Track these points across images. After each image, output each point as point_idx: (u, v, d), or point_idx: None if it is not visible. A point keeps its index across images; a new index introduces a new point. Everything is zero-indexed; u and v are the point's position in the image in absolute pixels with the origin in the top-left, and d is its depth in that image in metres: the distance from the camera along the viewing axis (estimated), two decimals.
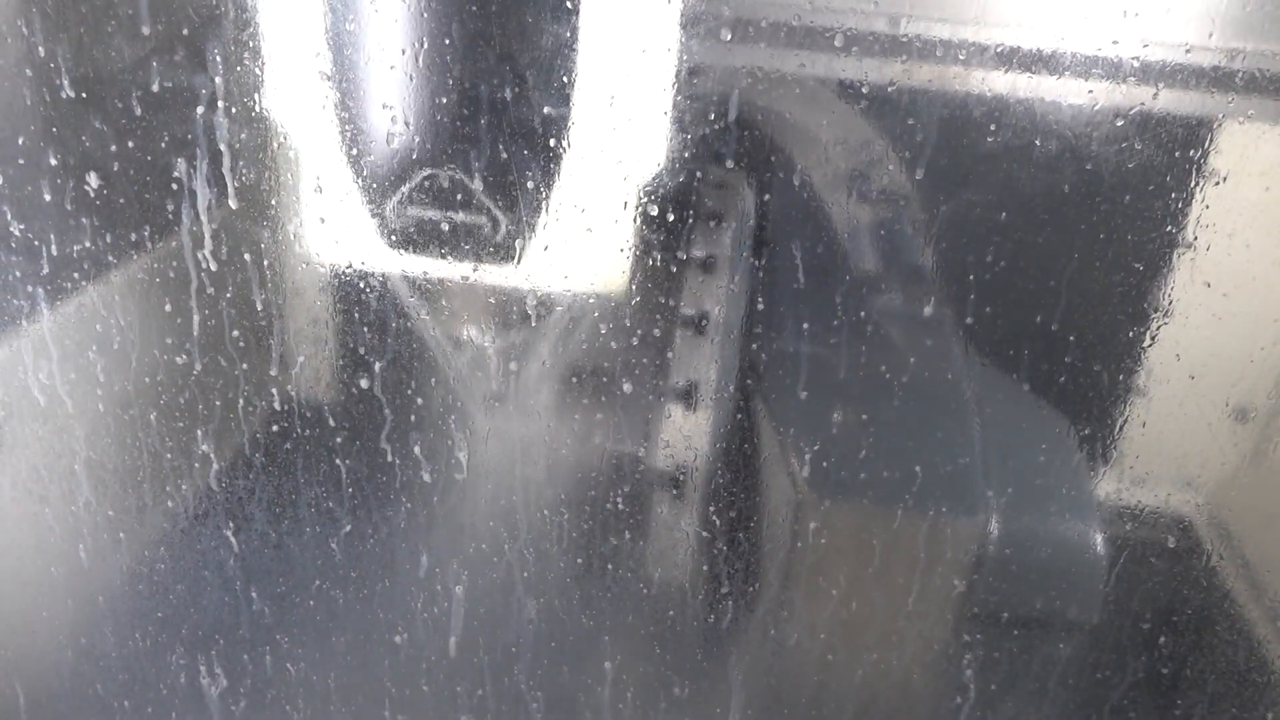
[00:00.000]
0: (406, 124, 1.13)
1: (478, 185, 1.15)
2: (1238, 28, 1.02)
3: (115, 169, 1.16)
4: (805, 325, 1.15)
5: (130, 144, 1.15)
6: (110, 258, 1.21)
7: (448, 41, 1.10)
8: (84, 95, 1.12)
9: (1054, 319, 1.11)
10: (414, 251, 1.21)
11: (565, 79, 1.11)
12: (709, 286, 1.16)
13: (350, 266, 1.23)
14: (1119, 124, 1.05)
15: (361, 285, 1.22)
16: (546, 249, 1.16)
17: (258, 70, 1.14)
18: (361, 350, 1.24)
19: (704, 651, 1.36)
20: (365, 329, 1.24)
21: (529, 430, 1.26)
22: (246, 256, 1.19)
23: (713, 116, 1.09)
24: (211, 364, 1.25)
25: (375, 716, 1.47)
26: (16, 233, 1.20)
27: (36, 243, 1.20)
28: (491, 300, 1.20)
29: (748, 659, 1.36)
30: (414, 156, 1.14)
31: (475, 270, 1.20)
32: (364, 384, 1.24)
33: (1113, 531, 1.23)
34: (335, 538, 1.35)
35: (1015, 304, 1.12)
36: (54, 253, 1.20)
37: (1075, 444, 1.20)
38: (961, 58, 1.05)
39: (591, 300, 1.18)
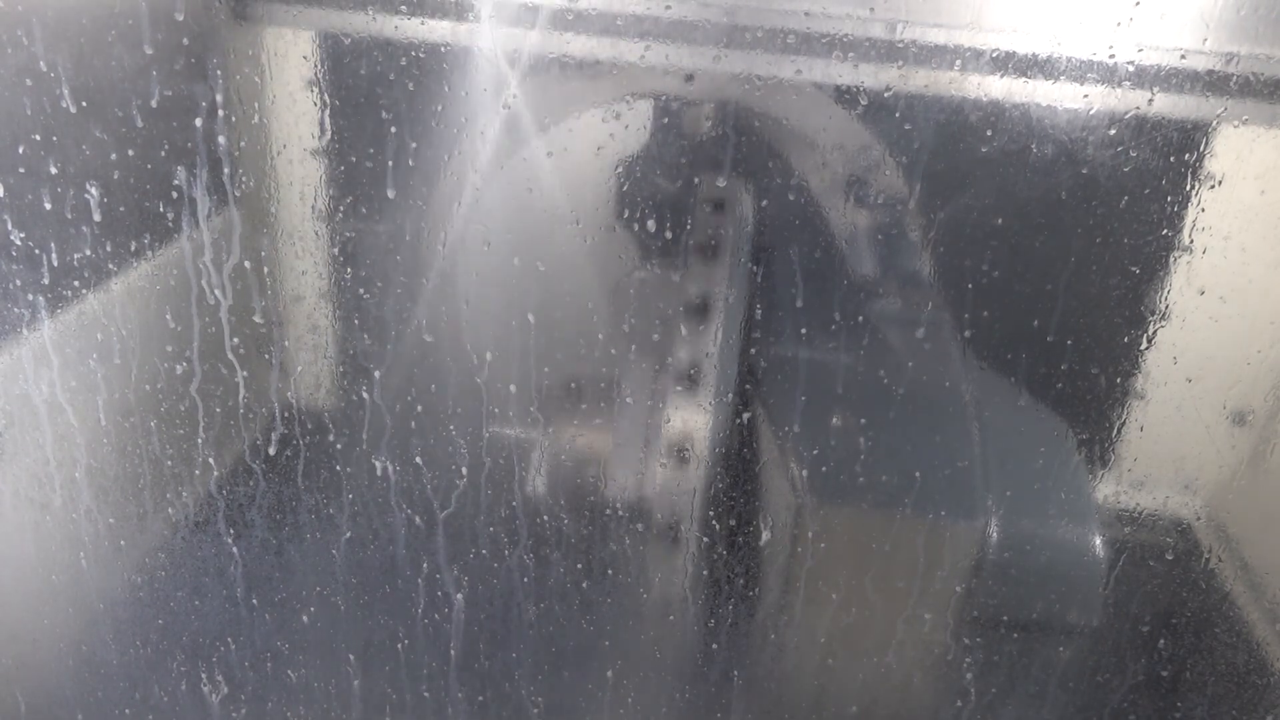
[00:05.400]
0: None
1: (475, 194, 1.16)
2: (1232, 32, 1.03)
3: (115, 178, 1.17)
4: (803, 330, 1.15)
5: (130, 152, 1.15)
6: (111, 265, 1.21)
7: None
8: (85, 105, 1.13)
9: (1051, 323, 1.12)
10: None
11: (563, 87, 1.11)
12: (708, 293, 1.17)
13: (349, 274, 1.23)
14: (1115, 128, 1.05)
15: (361, 292, 1.23)
16: (544, 260, 1.17)
17: (256, 79, 1.15)
18: (361, 358, 1.24)
19: (704, 656, 1.36)
20: (365, 336, 1.24)
21: (529, 437, 1.26)
22: (247, 264, 1.19)
23: (710, 123, 1.09)
24: (211, 371, 1.25)
25: None
26: (17, 241, 1.20)
27: (37, 251, 1.20)
28: (491, 307, 1.21)
29: (748, 663, 1.36)
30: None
31: (475, 276, 1.20)
32: (363, 391, 1.24)
33: (1112, 535, 1.23)
34: (335, 545, 1.35)
35: (1013, 308, 1.12)
36: (54, 262, 1.21)
37: (1074, 448, 1.20)
38: (957, 63, 1.05)
39: (590, 306, 1.18)
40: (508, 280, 1.18)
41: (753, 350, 1.19)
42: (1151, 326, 1.13)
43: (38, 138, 1.14)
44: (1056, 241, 1.10)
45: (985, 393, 1.18)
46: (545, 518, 1.29)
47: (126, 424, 1.31)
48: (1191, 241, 1.10)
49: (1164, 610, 1.26)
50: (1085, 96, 1.04)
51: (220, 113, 1.11)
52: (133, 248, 1.21)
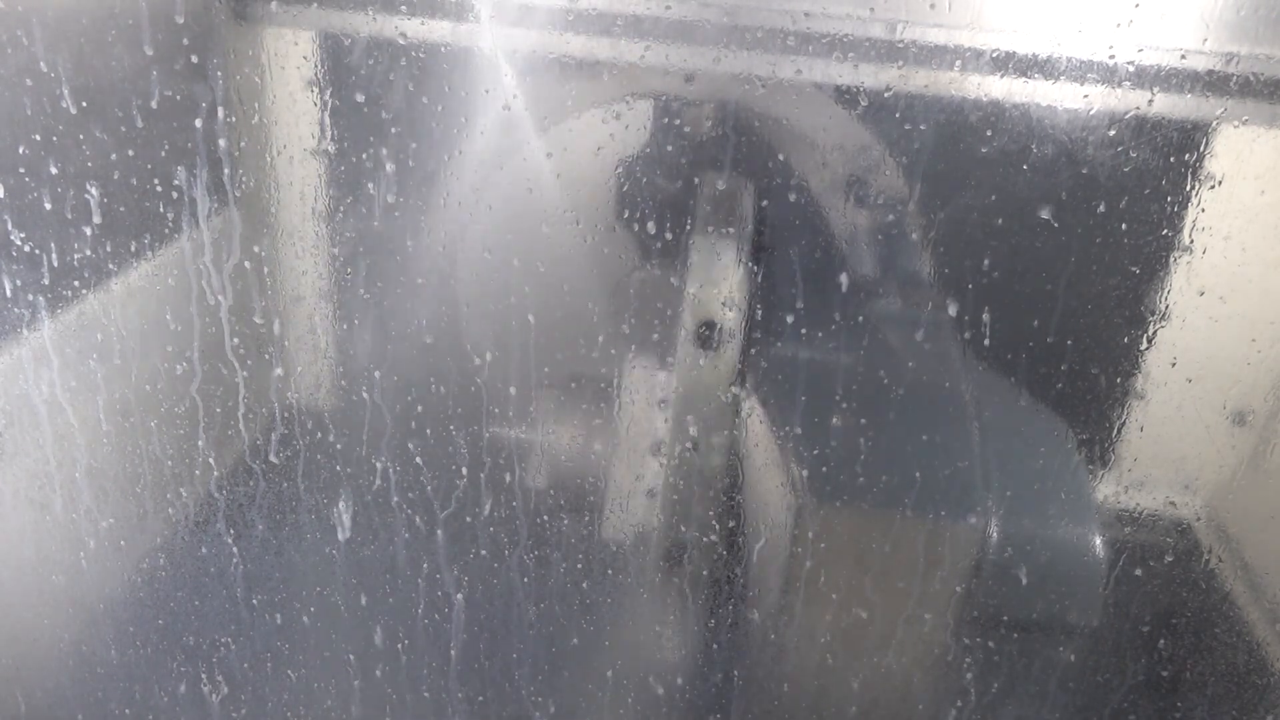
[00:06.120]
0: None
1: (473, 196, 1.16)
2: (1232, 32, 1.03)
3: (115, 178, 1.17)
4: (803, 330, 1.15)
5: (130, 152, 1.15)
6: (111, 265, 1.22)
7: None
8: (85, 105, 1.13)
9: (1051, 323, 1.12)
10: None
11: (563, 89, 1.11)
12: (707, 293, 1.17)
13: (349, 274, 1.23)
14: (1115, 128, 1.05)
15: (361, 292, 1.23)
16: (543, 260, 1.17)
17: (256, 79, 1.15)
18: (361, 358, 1.24)
19: (704, 656, 1.36)
20: (365, 336, 1.24)
21: (529, 437, 1.26)
22: (247, 264, 1.19)
23: (710, 123, 1.09)
24: (211, 371, 1.25)
25: None
26: (17, 241, 1.20)
27: (37, 251, 1.20)
28: (491, 307, 1.21)
29: (748, 664, 1.36)
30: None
31: (475, 276, 1.20)
32: (363, 391, 1.24)
33: (1112, 535, 1.23)
34: (335, 545, 1.35)
35: (1013, 308, 1.12)
36: (54, 262, 1.21)
37: (1074, 448, 1.20)
38: (957, 63, 1.05)
39: (590, 306, 1.18)
40: (508, 280, 1.18)
41: (753, 350, 1.19)
42: (1151, 326, 1.13)
43: (38, 138, 1.14)
44: (1056, 241, 1.10)
45: (985, 393, 1.18)
46: (545, 518, 1.29)
47: (126, 424, 1.31)
48: (1191, 241, 1.10)
49: (1164, 610, 1.26)
50: (1085, 96, 1.04)
51: (220, 113, 1.11)
52: (133, 248, 1.21)
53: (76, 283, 1.22)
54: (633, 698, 1.39)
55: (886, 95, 1.07)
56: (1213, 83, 1.04)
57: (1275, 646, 1.25)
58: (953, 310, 1.12)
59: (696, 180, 1.13)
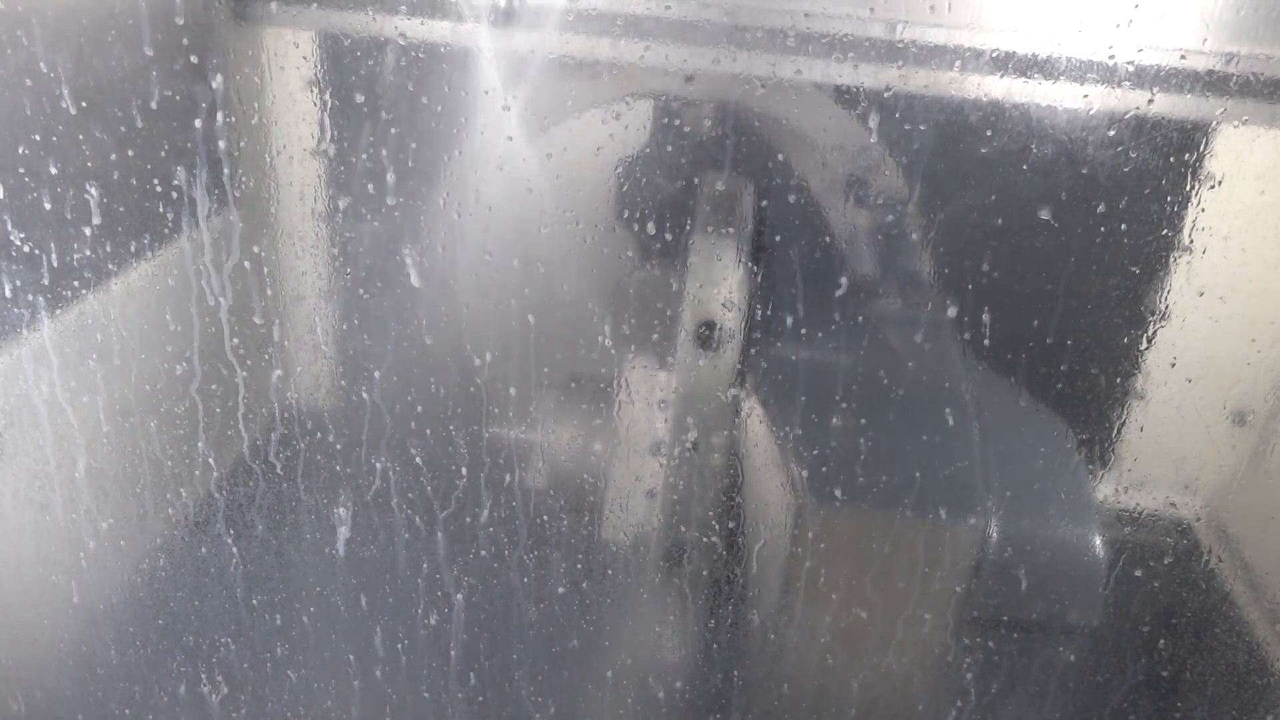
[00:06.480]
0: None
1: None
2: (1232, 32, 1.03)
3: (115, 178, 1.17)
4: (803, 330, 1.15)
5: (130, 153, 1.15)
6: (111, 266, 1.22)
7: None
8: (85, 105, 1.13)
9: (1051, 323, 1.12)
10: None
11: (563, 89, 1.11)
12: (707, 293, 1.17)
13: (349, 274, 1.23)
14: (1115, 128, 1.05)
15: (361, 292, 1.23)
16: (543, 260, 1.17)
17: (256, 79, 1.15)
18: (361, 358, 1.24)
19: (704, 656, 1.36)
20: (365, 336, 1.24)
21: (529, 437, 1.26)
22: (246, 264, 1.19)
23: (710, 123, 1.09)
24: (211, 371, 1.25)
25: None
26: (17, 241, 1.20)
27: (37, 251, 1.20)
28: (491, 308, 1.21)
29: (748, 664, 1.36)
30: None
31: (475, 276, 1.20)
32: (363, 392, 1.24)
33: (1112, 535, 1.23)
34: (335, 545, 1.35)
35: (1013, 308, 1.12)
36: (54, 262, 1.21)
37: (1074, 448, 1.20)
38: (957, 63, 1.05)
39: (590, 306, 1.18)
40: (508, 280, 1.18)
41: (753, 350, 1.19)
42: (1151, 326, 1.13)
43: (38, 138, 1.14)
44: (1056, 241, 1.10)
45: (985, 393, 1.18)
46: (545, 518, 1.29)
47: (126, 424, 1.31)
48: (1191, 241, 1.10)
49: (1164, 610, 1.26)
50: (1085, 96, 1.04)
51: (220, 113, 1.11)
52: (133, 248, 1.21)
53: (76, 283, 1.22)
54: (632, 698, 1.39)
55: (886, 95, 1.07)
56: (1213, 83, 1.04)
57: (1275, 646, 1.25)
58: (953, 311, 1.12)
59: (696, 180, 1.13)
